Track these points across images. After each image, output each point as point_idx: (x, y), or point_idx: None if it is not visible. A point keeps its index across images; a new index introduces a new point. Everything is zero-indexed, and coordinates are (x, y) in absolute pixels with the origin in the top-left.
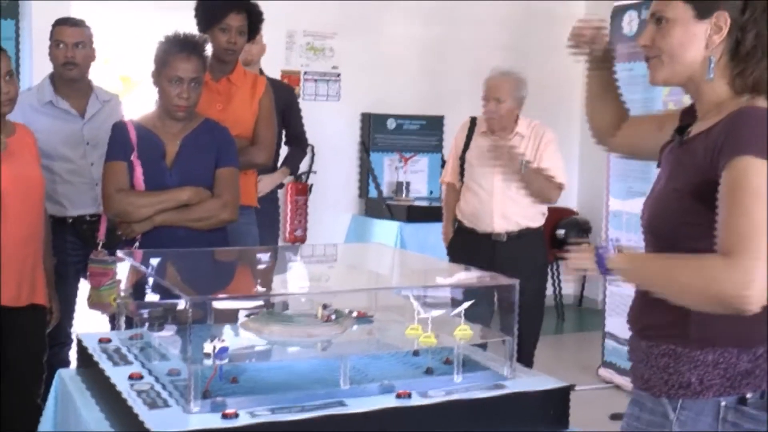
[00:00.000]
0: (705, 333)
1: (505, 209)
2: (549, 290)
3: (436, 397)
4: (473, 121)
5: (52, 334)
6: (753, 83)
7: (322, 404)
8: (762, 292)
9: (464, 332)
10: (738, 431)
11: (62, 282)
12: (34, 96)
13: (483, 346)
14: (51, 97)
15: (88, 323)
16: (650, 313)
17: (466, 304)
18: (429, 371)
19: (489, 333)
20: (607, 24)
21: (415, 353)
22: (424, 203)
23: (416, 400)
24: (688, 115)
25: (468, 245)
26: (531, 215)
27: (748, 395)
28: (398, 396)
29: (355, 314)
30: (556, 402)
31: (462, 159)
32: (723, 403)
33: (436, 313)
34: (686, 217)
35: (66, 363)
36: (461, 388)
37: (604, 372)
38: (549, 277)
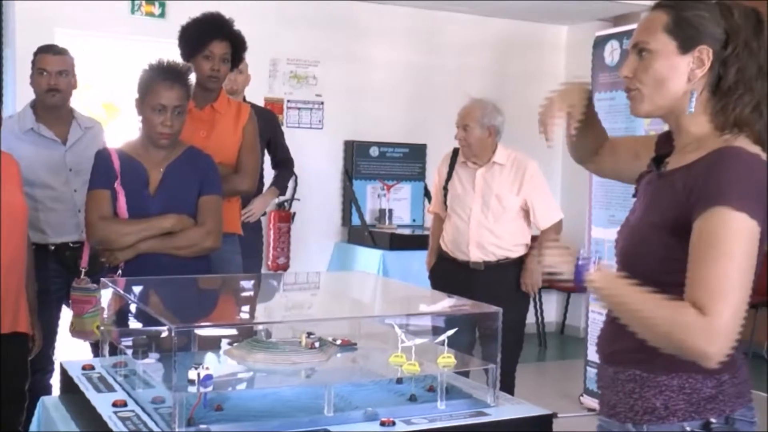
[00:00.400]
0: (671, 359)
1: (481, 239)
2: (531, 318)
3: (420, 424)
4: (455, 151)
5: (33, 361)
6: (734, 120)
7: None
8: (723, 350)
9: (447, 360)
10: None
11: (45, 309)
12: (15, 123)
13: (465, 374)
14: (32, 125)
15: (70, 351)
16: (618, 339)
17: (450, 332)
18: (413, 398)
19: (472, 361)
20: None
21: (399, 381)
22: (407, 231)
23: (400, 428)
24: (665, 144)
25: (448, 273)
26: (509, 246)
27: (713, 420)
28: (382, 423)
29: (339, 342)
30: (539, 429)
31: (446, 189)
32: (688, 429)
33: (420, 341)
34: (661, 251)
35: (48, 390)
36: (445, 415)
37: (587, 399)
38: (531, 306)
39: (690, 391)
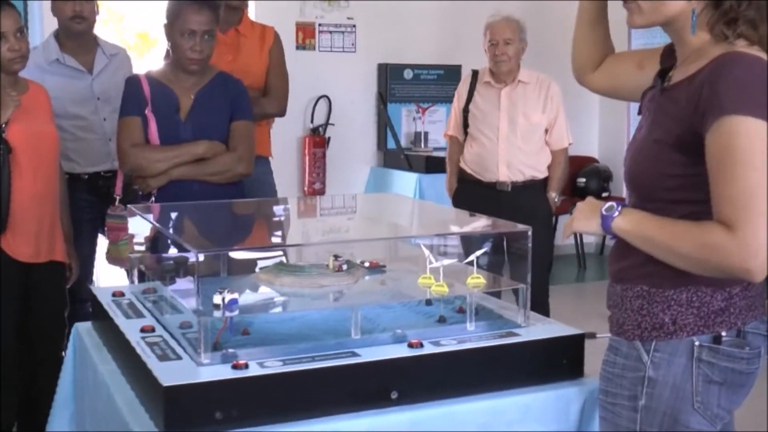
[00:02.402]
0: (678, 272)
1: (511, 157)
2: (569, 239)
3: (449, 345)
4: (475, 74)
5: (72, 291)
6: (734, 26)
7: (333, 354)
8: (762, 262)
9: (477, 281)
10: (714, 370)
11: (80, 239)
12: (40, 55)
13: (497, 295)
14: (57, 55)
15: (109, 279)
16: (625, 255)
17: (479, 253)
18: (441, 320)
19: (502, 281)
20: None
21: (428, 303)
22: (443, 153)
23: (428, 349)
24: (670, 56)
25: (472, 196)
26: (537, 165)
27: (723, 333)
28: (410, 345)
29: (367, 264)
30: (571, 350)
31: (465, 111)
32: (697, 343)
33: (448, 261)
34: (666, 168)
35: (88, 318)
36: (474, 336)
37: None
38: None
39: (699, 305)
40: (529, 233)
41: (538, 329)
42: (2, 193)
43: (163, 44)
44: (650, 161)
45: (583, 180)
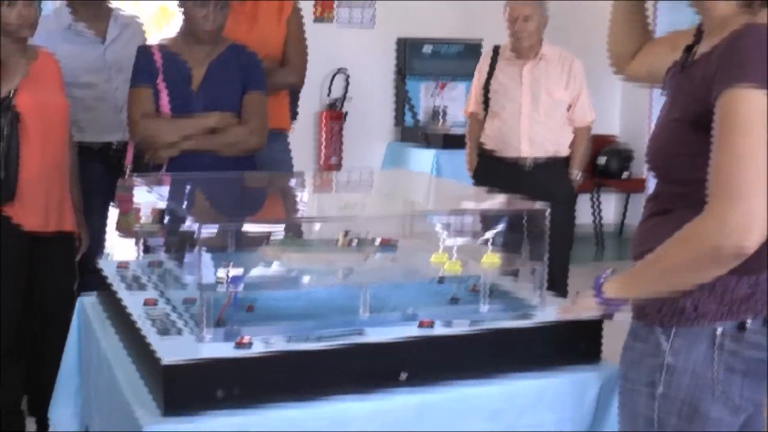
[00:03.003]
0: None
1: (533, 133)
2: (588, 218)
3: (461, 326)
4: (496, 49)
5: (82, 263)
6: (762, 2)
7: (340, 333)
8: (756, 236)
9: (491, 260)
10: (736, 359)
11: (91, 210)
12: (52, 22)
13: (513, 275)
14: (69, 22)
15: (122, 252)
16: (647, 238)
17: (494, 231)
18: (454, 300)
19: (518, 261)
20: None
21: (440, 282)
22: (461, 130)
23: (439, 330)
24: (699, 33)
25: (493, 172)
26: (559, 141)
27: (748, 321)
28: (421, 325)
29: (378, 241)
30: (588, 332)
31: (486, 88)
32: (719, 330)
33: (462, 239)
34: (688, 148)
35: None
36: (487, 317)
37: None
38: (589, 206)
39: (722, 291)
40: (548, 211)
41: (554, 311)
42: (11, 162)
43: (180, 18)
44: (669, 141)
45: (604, 159)
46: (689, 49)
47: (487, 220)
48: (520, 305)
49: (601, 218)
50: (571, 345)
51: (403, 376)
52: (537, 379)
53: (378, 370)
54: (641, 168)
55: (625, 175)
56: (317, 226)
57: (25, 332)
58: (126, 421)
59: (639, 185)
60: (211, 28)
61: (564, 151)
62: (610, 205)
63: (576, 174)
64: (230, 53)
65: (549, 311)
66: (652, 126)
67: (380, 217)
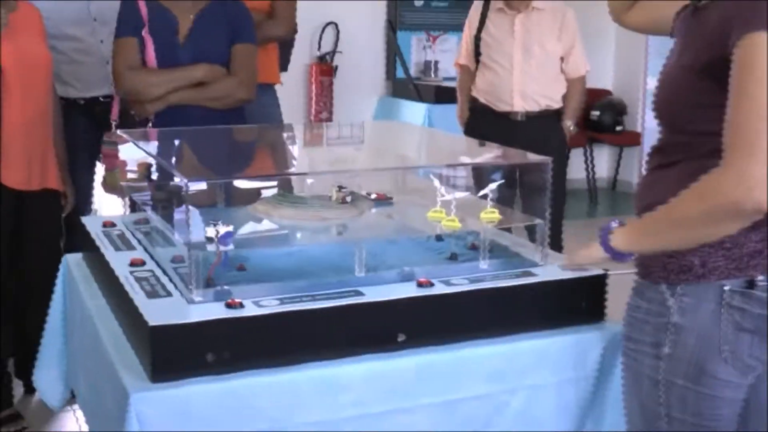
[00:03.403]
0: None
1: (525, 87)
2: (581, 173)
3: (461, 285)
4: (487, 0)
5: (69, 220)
6: None
7: (335, 293)
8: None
9: (491, 215)
10: (745, 317)
11: (77, 166)
12: None
13: (510, 231)
14: None
15: (109, 209)
16: (652, 191)
17: (494, 185)
18: (453, 257)
19: (517, 216)
20: None
21: (438, 238)
22: (454, 84)
23: (439, 289)
24: None
25: (485, 125)
26: (552, 94)
27: (759, 278)
28: (419, 284)
29: (373, 196)
30: (592, 291)
31: (477, 40)
32: (727, 287)
33: (460, 194)
34: (697, 97)
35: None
36: (488, 275)
37: None
38: (582, 161)
39: (731, 246)
40: (549, 165)
41: (556, 269)
42: None
43: None
44: (678, 89)
45: (597, 113)
46: None
47: (485, 173)
48: (520, 262)
49: (594, 173)
50: (574, 304)
51: (401, 337)
52: (538, 339)
53: (375, 331)
54: (635, 122)
55: (618, 129)
56: (309, 181)
57: (11, 292)
58: (113, 387)
59: (632, 139)
60: None
61: (556, 104)
62: (603, 159)
63: (569, 124)
64: (218, 4)
65: (550, 269)
66: (646, 77)
67: (375, 171)
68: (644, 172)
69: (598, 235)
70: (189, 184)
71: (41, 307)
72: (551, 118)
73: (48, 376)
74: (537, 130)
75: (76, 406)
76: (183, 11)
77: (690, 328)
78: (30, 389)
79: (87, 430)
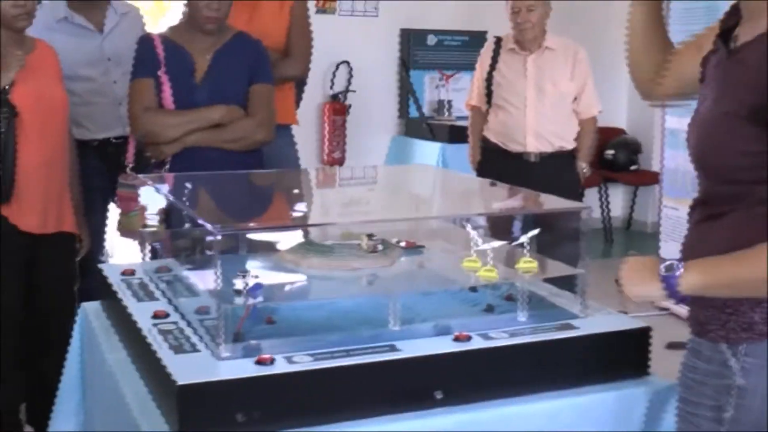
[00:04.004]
0: None
1: (539, 127)
2: (596, 212)
3: (500, 339)
4: (498, 41)
5: (83, 264)
6: None
7: (370, 348)
8: None
9: (529, 265)
10: None
11: (89, 209)
12: (48, 12)
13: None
14: (65, 13)
15: (123, 253)
16: (704, 242)
17: (532, 233)
18: (489, 309)
19: (556, 266)
20: None
21: (473, 289)
22: (467, 123)
23: (477, 343)
24: (732, 16)
25: (498, 167)
26: (565, 135)
27: None
28: (456, 339)
29: (403, 244)
30: (635, 344)
31: (488, 81)
32: None
33: (498, 243)
34: (741, 144)
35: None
36: (527, 328)
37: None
38: (597, 200)
39: None
40: (588, 212)
41: (597, 321)
42: (7, 160)
43: (178, 9)
44: (722, 137)
45: (612, 152)
46: (726, 33)
47: (518, 220)
48: (560, 314)
49: (609, 212)
50: (618, 357)
51: (439, 394)
52: (581, 395)
53: (411, 388)
54: (649, 162)
55: (633, 168)
56: (336, 230)
57: (25, 336)
58: None
59: (648, 178)
60: (216, 15)
61: (570, 144)
62: (618, 198)
63: (583, 167)
64: (235, 43)
65: (591, 321)
66: (665, 117)
67: (408, 219)
68: (688, 227)
69: (662, 275)
70: (219, 233)
71: (54, 353)
72: (565, 158)
73: (65, 429)
74: (551, 170)
75: None
76: (200, 51)
77: (754, 390)
78: None
79: None
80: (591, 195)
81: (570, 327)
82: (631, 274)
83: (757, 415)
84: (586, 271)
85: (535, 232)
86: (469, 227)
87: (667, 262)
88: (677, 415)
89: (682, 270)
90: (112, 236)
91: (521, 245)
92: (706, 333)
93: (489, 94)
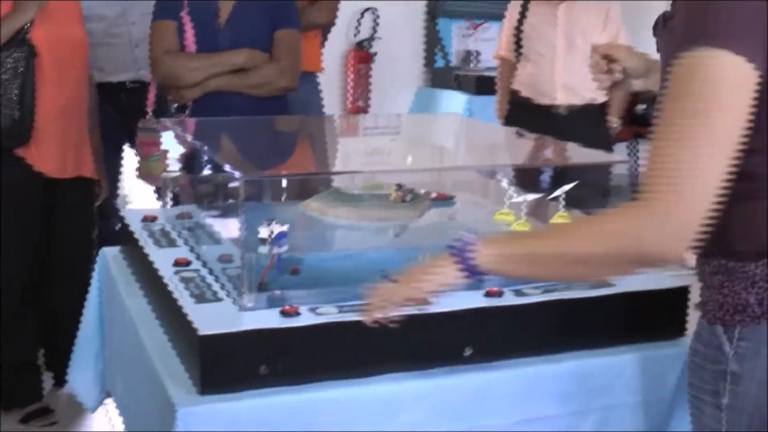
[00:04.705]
0: (762, 240)
1: (568, 79)
2: (626, 169)
3: (533, 296)
4: None
5: (101, 208)
6: None
7: None
8: (683, 239)
9: (564, 219)
10: None
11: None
12: None
13: None
14: None
15: (136, 197)
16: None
17: (568, 187)
18: None
19: None
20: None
21: None
22: (495, 74)
23: (509, 299)
24: None
25: (525, 120)
26: (595, 87)
27: None
28: (488, 294)
29: (433, 195)
30: (673, 303)
31: (518, 31)
32: None
33: (533, 196)
34: None
35: (116, 238)
36: (559, 285)
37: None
38: (626, 156)
39: None
40: (625, 166)
41: (634, 279)
42: (26, 101)
43: None
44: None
45: (643, 107)
46: None
47: (556, 174)
48: None
49: (638, 168)
50: (654, 317)
51: (468, 351)
52: (614, 355)
53: (439, 344)
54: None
55: None
56: (363, 179)
57: (41, 282)
58: (157, 398)
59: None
60: None
61: (600, 98)
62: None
63: (614, 121)
64: None
65: (628, 279)
66: None
67: (438, 170)
68: None
69: (452, 252)
70: (244, 180)
71: (72, 298)
72: (595, 113)
73: (84, 378)
74: (580, 125)
75: (108, 401)
76: None
77: (750, 376)
78: (59, 382)
79: (118, 425)
80: (620, 150)
81: (606, 284)
82: (416, 268)
83: (754, 402)
84: None
85: (572, 185)
86: (503, 180)
87: (460, 235)
88: (687, 399)
89: (471, 241)
90: (127, 182)
91: (555, 199)
92: (706, 313)
93: (518, 46)
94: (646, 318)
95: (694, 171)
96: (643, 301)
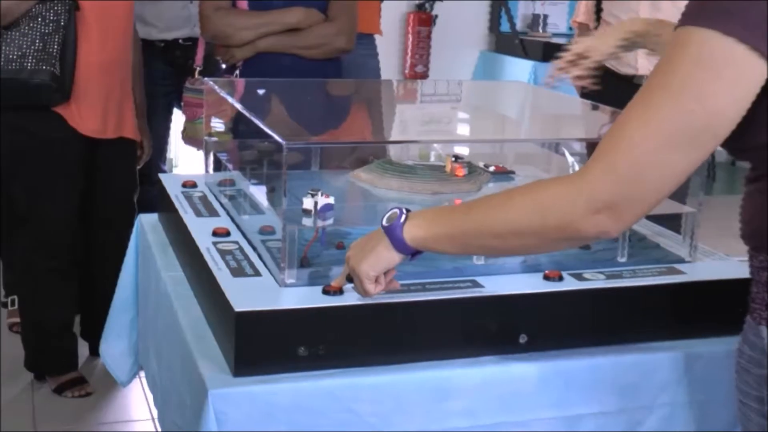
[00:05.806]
0: None
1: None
2: None
3: (595, 281)
4: None
5: (143, 172)
6: None
7: (450, 283)
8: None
9: None
10: None
11: (153, 114)
12: None
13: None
14: None
15: (185, 162)
16: (755, 215)
17: None
18: (585, 247)
19: (666, 203)
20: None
21: None
22: (563, 40)
23: (569, 284)
24: None
25: (604, 89)
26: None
27: None
28: (546, 277)
29: (491, 169)
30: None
31: None
32: None
33: None
34: None
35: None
36: (627, 271)
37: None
38: None
39: None
40: None
41: (708, 266)
42: (67, 57)
43: None
44: None
45: None
46: None
47: None
48: (665, 257)
49: None
50: (728, 309)
51: (523, 338)
52: (683, 349)
53: (493, 330)
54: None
55: None
56: (417, 149)
57: (81, 246)
58: (189, 378)
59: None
60: None
61: None
62: None
63: None
64: None
65: (700, 266)
66: None
67: (498, 141)
68: None
69: (384, 226)
70: (288, 147)
71: (111, 263)
72: None
73: (116, 349)
74: None
75: (142, 372)
76: None
77: None
78: (95, 351)
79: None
80: None
81: (676, 271)
82: (356, 250)
83: None
84: (697, 210)
85: None
86: (567, 154)
87: (389, 212)
88: (736, 404)
89: (404, 218)
90: (175, 144)
91: None
92: (752, 311)
93: (598, 10)
94: (720, 309)
95: (641, 154)
96: (719, 290)
